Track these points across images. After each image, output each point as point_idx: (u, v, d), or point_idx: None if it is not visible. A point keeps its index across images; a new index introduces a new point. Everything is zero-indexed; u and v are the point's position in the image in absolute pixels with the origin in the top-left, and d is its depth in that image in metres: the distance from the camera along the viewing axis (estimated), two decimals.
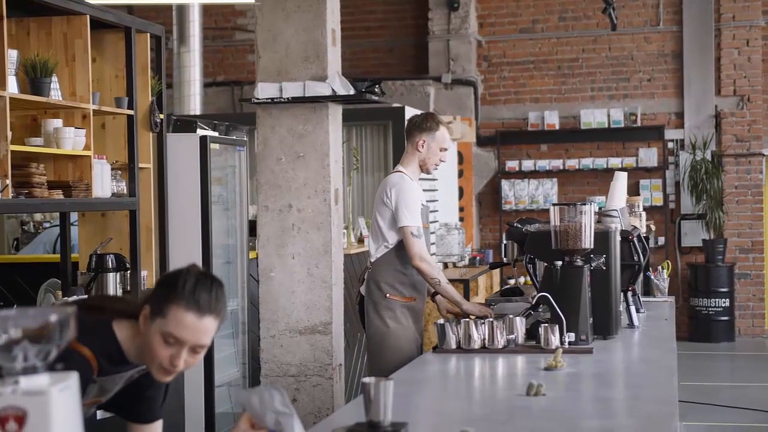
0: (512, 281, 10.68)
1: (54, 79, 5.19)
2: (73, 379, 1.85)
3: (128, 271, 5.83)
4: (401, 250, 5.33)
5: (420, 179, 5.55)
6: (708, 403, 9.02)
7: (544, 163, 13.33)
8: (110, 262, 5.65)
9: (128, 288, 5.85)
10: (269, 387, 2.46)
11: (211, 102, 13.25)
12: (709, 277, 12.70)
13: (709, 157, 12.86)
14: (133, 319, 2.80)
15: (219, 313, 2.74)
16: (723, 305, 12.66)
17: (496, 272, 11.40)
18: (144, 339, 2.75)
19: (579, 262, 4.56)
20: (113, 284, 5.64)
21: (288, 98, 5.75)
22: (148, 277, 6.10)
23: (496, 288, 10.84)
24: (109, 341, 2.79)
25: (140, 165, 5.98)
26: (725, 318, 12.69)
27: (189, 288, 2.70)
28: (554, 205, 4.63)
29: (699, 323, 12.73)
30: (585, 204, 4.61)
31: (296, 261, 5.81)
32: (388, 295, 5.39)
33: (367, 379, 2.85)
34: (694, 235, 13.03)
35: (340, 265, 5.95)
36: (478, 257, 11.11)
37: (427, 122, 5.49)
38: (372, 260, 5.52)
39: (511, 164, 13.41)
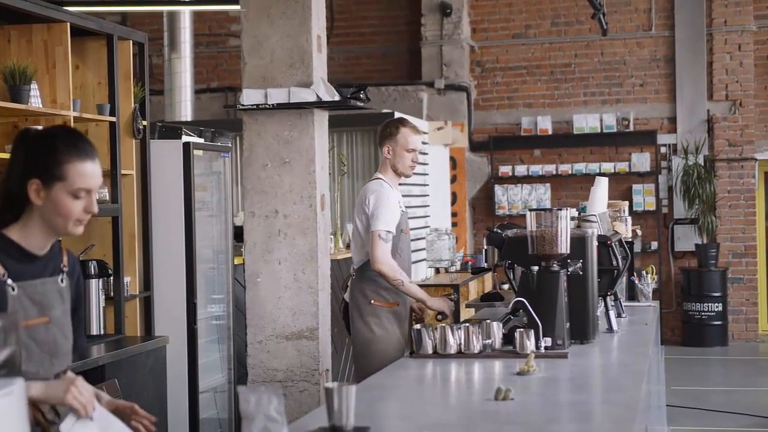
0: (506, 286, 10.66)
1: (34, 86, 5.20)
2: (17, 385, 1.87)
3: (111, 278, 5.84)
4: None
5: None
6: (698, 407, 9.03)
7: (537, 168, 13.33)
8: (93, 268, 5.66)
9: (111, 294, 5.86)
10: (271, 390, 2.45)
11: (204, 108, 13.28)
12: (702, 281, 12.70)
13: (701, 161, 12.87)
14: (16, 221, 2.87)
15: (97, 155, 2.93)
16: (716, 310, 12.66)
17: (488, 277, 11.40)
18: (45, 212, 2.84)
19: (555, 267, 4.57)
20: (96, 291, 5.65)
21: (273, 104, 5.77)
22: (131, 283, 6.12)
23: None
24: (3, 243, 2.85)
25: (123, 171, 6.00)
26: (718, 322, 12.69)
27: (71, 144, 2.84)
28: (531, 210, 4.65)
29: (692, 328, 12.74)
30: (561, 209, 4.62)
31: (282, 266, 5.81)
32: (372, 301, 5.43)
33: (329, 385, 2.89)
34: (687, 239, 13.03)
35: (326, 271, 5.96)
36: (470, 262, 11.10)
37: (387, 129, 5.57)
38: (355, 267, 5.55)
39: (504, 169, 13.42)
